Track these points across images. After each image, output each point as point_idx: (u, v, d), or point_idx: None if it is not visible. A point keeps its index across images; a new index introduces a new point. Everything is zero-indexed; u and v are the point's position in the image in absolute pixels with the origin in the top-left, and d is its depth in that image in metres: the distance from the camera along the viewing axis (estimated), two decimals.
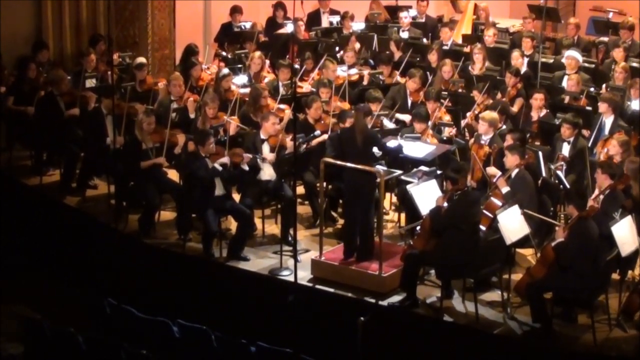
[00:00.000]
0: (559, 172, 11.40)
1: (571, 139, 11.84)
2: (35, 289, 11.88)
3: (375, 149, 11.49)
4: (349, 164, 10.79)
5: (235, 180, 11.77)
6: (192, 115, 13.02)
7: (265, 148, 11.82)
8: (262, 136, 11.87)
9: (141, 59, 14.47)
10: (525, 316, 9.94)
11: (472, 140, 12.20)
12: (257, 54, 14.65)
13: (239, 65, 14.90)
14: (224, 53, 15.85)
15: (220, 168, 11.35)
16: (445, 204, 10.21)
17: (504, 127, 12.34)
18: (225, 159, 11.42)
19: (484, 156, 11.57)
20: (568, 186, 11.20)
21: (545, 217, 10.68)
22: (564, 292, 9.72)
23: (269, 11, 17.12)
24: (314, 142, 12.22)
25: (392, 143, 11.67)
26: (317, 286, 10.70)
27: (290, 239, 11.45)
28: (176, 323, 9.56)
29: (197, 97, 13.38)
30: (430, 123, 12.45)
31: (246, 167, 11.63)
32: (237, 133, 12.47)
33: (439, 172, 11.49)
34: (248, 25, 16.56)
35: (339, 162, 10.97)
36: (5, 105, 13.55)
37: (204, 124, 12.39)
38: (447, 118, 12.87)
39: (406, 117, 13.07)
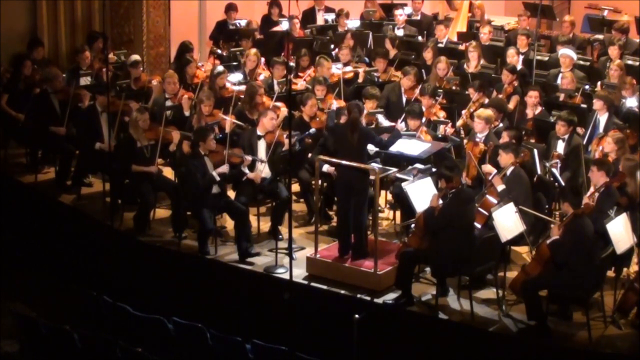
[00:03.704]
0: (554, 170, 11.41)
1: (566, 137, 11.85)
2: (31, 287, 11.90)
3: (370, 146, 11.48)
4: (342, 162, 10.80)
5: (233, 181, 11.78)
6: (186, 113, 13.02)
7: (262, 145, 11.81)
8: (259, 132, 11.87)
9: (135, 57, 14.45)
10: (521, 314, 9.94)
11: (467, 138, 12.20)
12: (253, 51, 14.64)
13: (234, 63, 14.89)
14: (218, 51, 15.85)
15: (218, 178, 11.34)
16: (440, 202, 10.22)
17: (501, 125, 12.32)
18: (225, 168, 11.40)
19: (479, 154, 11.56)
20: (563, 184, 11.22)
21: (540, 214, 10.69)
22: (559, 290, 9.73)
23: (264, 9, 17.11)
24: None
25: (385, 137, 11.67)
26: (313, 284, 10.71)
27: (279, 236, 11.46)
28: (171, 320, 9.58)
29: (191, 94, 13.38)
30: (424, 119, 12.46)
31: (246, 170, 11.64)
32: (233, 130, 12.47)
33: (434, 169, 11.49)
34: (243, 22, 16.54)
35: (333, 160, 11.00)
36: None
37: (199, 122, 12.39)
38: (442, 115, 12.88)
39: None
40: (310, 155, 12.04)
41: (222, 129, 12.37)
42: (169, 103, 13.17)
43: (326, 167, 11.61)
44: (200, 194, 11.27)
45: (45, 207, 12.81)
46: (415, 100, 13.19)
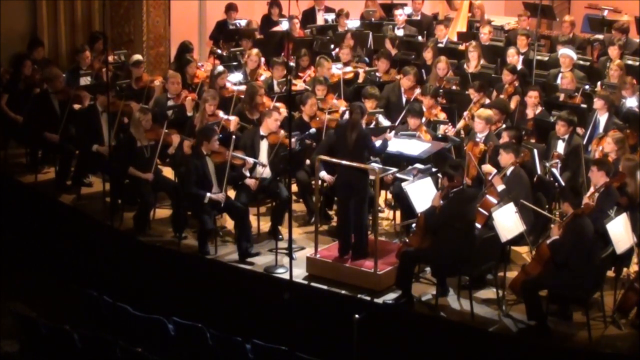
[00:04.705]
0: (554, 170, 11.41)
1: (566, 137, 11.86)
2: (31, 287, 11.90)
3: None
4: (342, 162, 10.79)
5: (234, 182, 11.77)
6: (189, 114, 13.00)
7: (264, 145, 11.80)
8: (262, 132, 11.85)
9: (138, 56, 14.46)
10: (521, 314, 9.94)
11: (467, 138, 12.20)
12: (254, 51, 14.64)
13: (234, 63, 14.89)
14: (218, 50, 15.85)
15: (206, 200, 11.24)
16: (441, 202, 10.22)
17: (504, 126, 12.28)
18: (221, 197, 11.33)
19: (479, 154, 11.56)
20: (563, 184, 11.22)
21: (540, 210, 10.69)
22: (559, 290, 9.73)
23: (264, 9, 17.12)
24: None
25: (377, 142, 11.55)
26: (313, 284, 10.70)
27: (279, 236, 11.46)
28: (171, 321, 9.58)
29: (194, 95, 13.36)
30: (424, 119, 12.46)
31: (247, 173, 11.62)
32: (235, 131, 12.45)
33: (434, 169, 11.49)
34: (243, 22, 16.55)
35: (333, 160, 10.99)
36: None
37: (201, 122, 12.38)
38: (442, 116, 12.88)
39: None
40: (311, 156, 12.01)
41: (223, 129, 12.35)
42: (170, 103, 13.16)
43: (322, 174, 11.58)
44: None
45: (45, 207, 12.81)
46: (415, 100, 13.19)
